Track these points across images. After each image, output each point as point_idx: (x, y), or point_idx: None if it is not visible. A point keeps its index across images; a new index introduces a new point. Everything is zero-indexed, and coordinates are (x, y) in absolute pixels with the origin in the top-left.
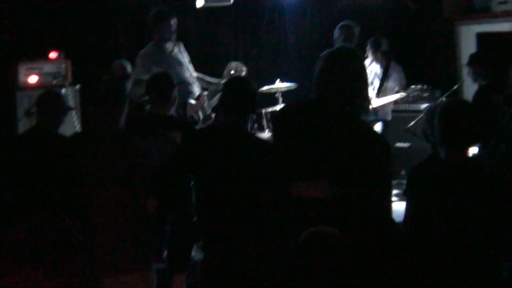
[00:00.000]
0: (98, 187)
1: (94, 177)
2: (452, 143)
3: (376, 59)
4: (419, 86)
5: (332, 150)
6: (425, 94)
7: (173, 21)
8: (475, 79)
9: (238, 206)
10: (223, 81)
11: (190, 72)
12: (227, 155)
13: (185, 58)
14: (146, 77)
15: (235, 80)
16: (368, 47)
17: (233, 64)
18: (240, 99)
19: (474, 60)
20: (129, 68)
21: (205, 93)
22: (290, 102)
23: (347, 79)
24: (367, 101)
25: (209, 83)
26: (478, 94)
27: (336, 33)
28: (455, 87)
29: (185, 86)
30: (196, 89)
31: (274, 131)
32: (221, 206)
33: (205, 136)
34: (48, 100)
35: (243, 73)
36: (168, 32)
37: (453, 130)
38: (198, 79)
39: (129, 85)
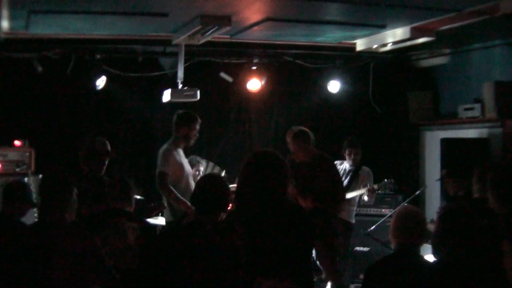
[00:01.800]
0: (55, 273)
1: (53, 264)
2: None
3: (354, 162)
4: (391, 181)
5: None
6: (387, 199)
7: (199, 125)
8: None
9: None
10: None
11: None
12: (197, 253)
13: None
14: (168, 170)
15: (207, 178)
16: (345, 145)
17: (191, 157)
18: (211, 198)
19: (454, 171)
20: (109, 146)
21: None
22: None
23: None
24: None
25: None
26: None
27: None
28: (418, 192)
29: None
30: None
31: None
32: None
33: (176, 235)
34: (14, 190)
35: (201, 166)
36: (193, 135)
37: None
38: None
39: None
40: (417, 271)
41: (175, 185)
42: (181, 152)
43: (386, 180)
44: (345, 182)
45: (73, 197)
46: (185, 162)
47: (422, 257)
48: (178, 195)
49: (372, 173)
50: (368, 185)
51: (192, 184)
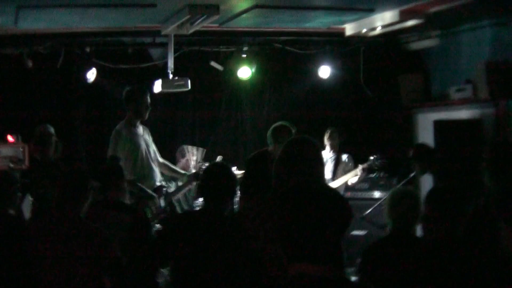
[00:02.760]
0: (56, 269)
1: (52, 260)
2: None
3: (332, 147)
4: (377, 157)
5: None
6: (381, 182)
7: (148, 97)
8: (422, 172)
9: None
10: (189, 174)
11: (157, 157)
12: (207, 241)
13: (152, 143)
14: (117, 154)
15: (214, 167)
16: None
17: (181, 147)
18: (220, 186)
19: (419, 155)
20: (51, 129)
21: (165, 188)
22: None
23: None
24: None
25: (174, 171)
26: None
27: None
28: (412, 174)
29: (148, 172)
30: (157, 178)
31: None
32: None
33: (186, 222)
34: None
35: (194, 157)
36: (144, 108)
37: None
38: (164, 165)
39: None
40: (413, 252)
41: (132, 167)
42: (137, 129)
43: (371, 157)
44: (331, 169)
45: (88, 192)
46: (142, 139)
47: (418, 238)
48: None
49: (352, 158)
50: (360, 166)
51: (150, 162)
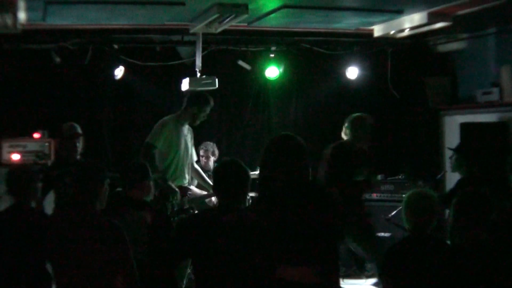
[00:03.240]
0: (71, 264)
1: (68, 254)
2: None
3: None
4: None
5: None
6: (407, 184)
7: (210, 109)
8: (457, 168)
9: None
10: None
11: (192, 160)
12: (224, 238)
13: (192, 145)
14: (157, 144)
15: (227, 164)
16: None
17: (203, 144)
18: (232, 183)
19: (462, 148)
20: (79, 129)
21: (190, 191)
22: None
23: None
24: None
25: (204, 180)
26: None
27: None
28: (438, 177)
29: (178, 174)
30: (184, 182)
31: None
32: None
33: (202, 220)
34: (18, 177)
35: (210, 152)
36: (202, 117)
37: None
38: (196, 172)
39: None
40: (435, 253)
41: (166, 164)
42: (184, 129)
43: None
44: None
45: (104, 187)
46: (184, 140)
47: (438, 239)
48: (158, 169)
49: None
50: None
51: (183, 165)
